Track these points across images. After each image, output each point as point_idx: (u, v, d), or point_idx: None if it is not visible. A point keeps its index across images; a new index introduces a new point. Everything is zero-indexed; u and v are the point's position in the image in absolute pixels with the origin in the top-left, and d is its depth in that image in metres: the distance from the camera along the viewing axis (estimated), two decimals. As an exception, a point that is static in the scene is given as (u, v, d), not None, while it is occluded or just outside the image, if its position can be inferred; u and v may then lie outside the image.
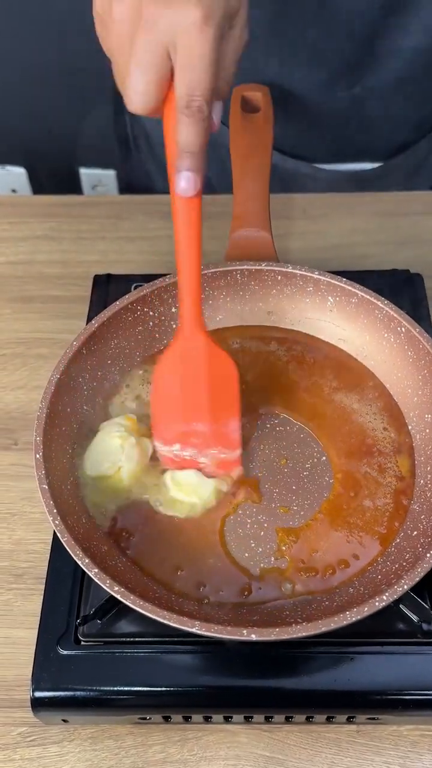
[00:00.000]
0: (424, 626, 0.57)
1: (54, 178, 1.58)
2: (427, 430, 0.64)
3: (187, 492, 0.62)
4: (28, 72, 1.38)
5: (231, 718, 0.59)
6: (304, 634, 0.49)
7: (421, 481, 0.62)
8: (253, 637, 0.49)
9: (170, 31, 0.47)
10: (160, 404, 0.62)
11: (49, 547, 0.64)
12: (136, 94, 0.49)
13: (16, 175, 1.59)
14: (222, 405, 0.61)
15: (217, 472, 0.63)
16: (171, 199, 0.52)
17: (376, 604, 0.50)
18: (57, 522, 0.53)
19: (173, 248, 0.92)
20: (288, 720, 0.59)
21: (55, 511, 0.54)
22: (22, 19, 1.31)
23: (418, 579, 0.51)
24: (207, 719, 0.59)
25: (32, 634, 0.59)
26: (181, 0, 0.47)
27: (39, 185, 1.60)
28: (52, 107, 1.44)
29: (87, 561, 0.52)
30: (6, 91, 1.42)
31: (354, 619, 0.49)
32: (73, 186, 1.59)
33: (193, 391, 0.60)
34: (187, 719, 0.59)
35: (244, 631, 0.49)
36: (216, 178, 0.86)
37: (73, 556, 0.52)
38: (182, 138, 0.49)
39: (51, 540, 0.64)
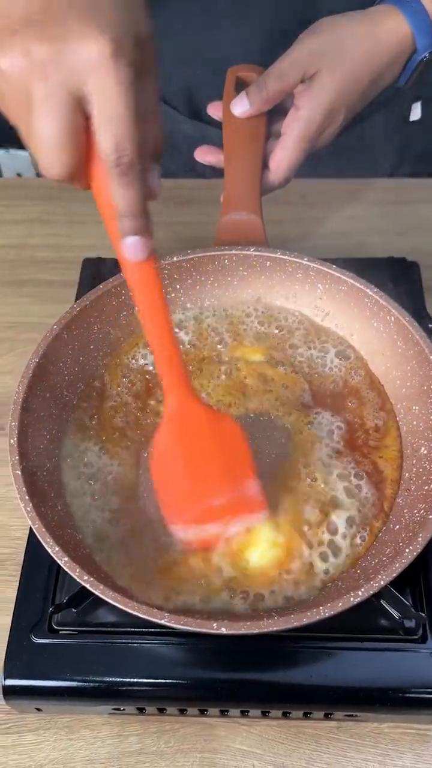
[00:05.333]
0: (405, 623, 0.56)
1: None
2: (414, 422, 0.62)
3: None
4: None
5: (206, 711, 0.58)
6: (275, 628, 0.48)
7: (407, 474, 0.60)
8: (223, 631, 0.48)
9: (75, 73, 0.39)
10: (168, 488, 0.56)
11: (31, 534, 0.63)
12: (50, 154, 0.41)
13: (21, 158, 1.57)
14: (234, 468, 0.56)
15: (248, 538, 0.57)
16: (121, 266, 0.48)
17: (351, 599, 0.49)
18: (29, 509, 0.53)
19: (168, 235, 0.92)
20: (264, 714, 0.58)
21: (27, 497, 0.53)
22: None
23: (395, 575, 0.50)
24: (182, 711, 0.58)
25: (11, 621, 0.59)
26: (79, 32, 0.39)
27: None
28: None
29: (57, 549, 0.51)
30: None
31: (327, 614, 0.48)
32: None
33: (199, 464, 0.55)
34: (161, 711, 0.58)
35: (214, 624, 0.48)
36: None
37: (43, 543, 0.51)
38: (119, 200, 0.43)
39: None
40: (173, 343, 0.52)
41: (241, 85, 0.74)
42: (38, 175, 1.61)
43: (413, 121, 0.92)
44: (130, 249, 0.45)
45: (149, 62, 0.43)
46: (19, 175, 1.61)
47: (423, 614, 0.56)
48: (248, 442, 0.57)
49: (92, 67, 0.39)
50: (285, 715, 0.58)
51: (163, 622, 0.48)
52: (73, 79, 0.40)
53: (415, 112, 0.90)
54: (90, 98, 0.40)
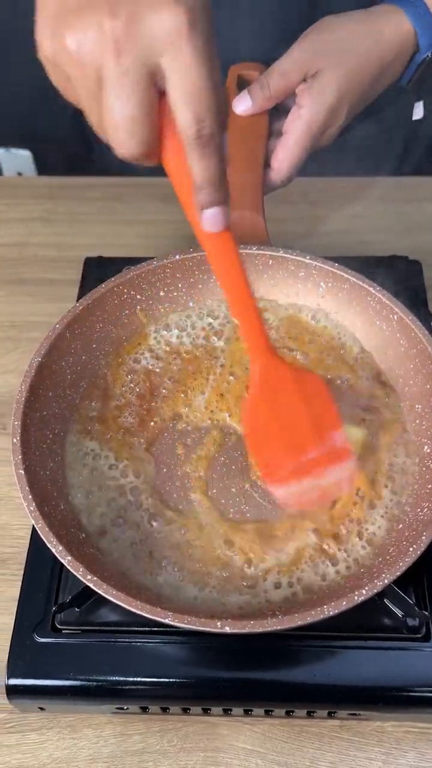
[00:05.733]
0: (409, 621, 0.56)
1: (60, 161, 1.57)
2: (417, 421, 0.62)
3: None
4: (33, 51, 1.35)
5: (210, 710, 0.58)
6: (279, 627, 0.48)
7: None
8: (227, 630, 0.48)
9: (150, 47, 0.38)
10: (263, 448, 0.58)
11: (33, 534, 0.63)
12: (126, 133, 0.40)
13: (22, 157, 1.57)
14: (322, 422, 0.57)
15: (341, 490, 0.60)
16: (199, 238, 0.47)
17: (356, 598, 0.49)
18: (32, 508, 0.53)
19: (171, 233, 0.92)
20: (268, 713, 0.58)
21: (30, 497, 0.53)
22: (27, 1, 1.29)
23: (398, 574, 0.50)
24: (185, 710, 0.58)
25: (14, 621, 0.59)
26: (151, 3, 0.37)
27: (45, 168, 1.58)
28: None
29: (60, 548, 0.51)
30: (10, 71, 1.40)
31: (331, 613, 0.48)
32: (79, 169, 1.57)
33: (291, 422, 0.57)
34: (165, 710, 0.58)
35: (218, 623, 0.48)
36: None
37: (47, 543, 0.51)
38: (199, 172, 0.42)
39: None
40: (255, 309, 0.52)
41: (242, 84, 0.74)
42: (39, 173, 1.61)
43: (416, 120, 0.92)
44: (211, 220, 0.45)
45: (212, 29, 0.41)
46: (19, 173, 1.60)
47: (426, 613, 0.56)
48: (331, 396, 0.58)
49: (168, 40, 0.38)
50: (288, 713, 0.58)
51: (167, 621, 0.48)
52: (149, 53, 0.38)
53: (418, 111, 0.90)
54: (167, 73, 0.39)
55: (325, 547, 0.57)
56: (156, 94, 0.40)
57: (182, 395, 0.66)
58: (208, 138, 0.41)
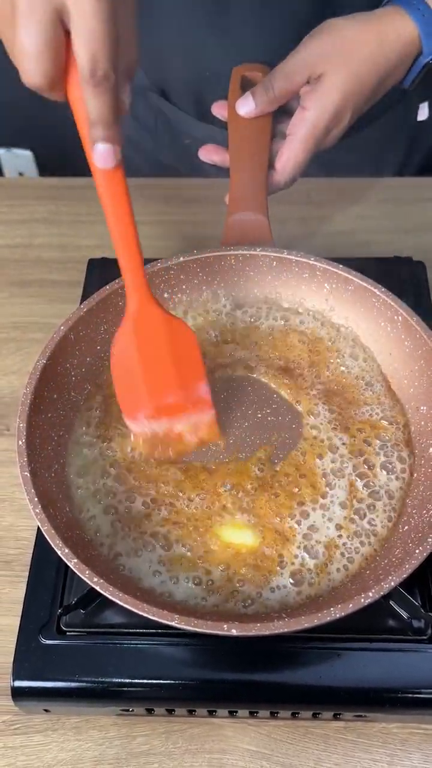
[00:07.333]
0: (414, 623, 0.56)
1: (61, 161, 1.57)
2: (422, 423, 0.62)
3: None
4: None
5: (215, 711, 0.58)
6: (285, 630, 0.48)
7: (415, 475, 0.60)
8: (234, 632, 0.48)
9: None
10: (124, 384, 0.61)
11: (37, 535, 0.63)
12: (31, 63, 0.45)
13: (23, 157, 1.57)
14: (187, 371, 0.60)
15: (197, 438, 0.63)
16: (92, 173, 0.50)
17: (362, 600, 0.49)
18: (38, 510, 0.53)
19: (173, 233, 0.91)
20: (273, 715, 0.58)
21: (36, 499, 0.53)
22: None
23: (405, 576, 0.50)
24: (190, 712, 0.58)
25: (18, 622, 0.59)
26: None
27: (46, 168, 1.59)
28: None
29: (67, 551, 0.51)
30: (11, 71, 1.40)
31: (338, 615, 0.48)
32: (80, 169, 1.57)
33: (154, 364, 0.60)
34: (170, 712, 0.58)
35: (225, 626, 0.48)
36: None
37: (53, 545, 0.51)
38: (92, 109, 0.46)
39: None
40: (137, 248, 0.55)
41: (246, 85, 0.73)
42: (40, 175, 1.61)
43: (420, 121, 0.92)
44: (99, 156, 0.48)
45: None
46: (20, 173, 1.60)
47: (432, 614, 0.56)
48: (199, 348, 0.61)
49: None
50: (294, 715, 0.58)
51: (173, 623, 0.48)
52: None
53: (423, 112, 0.89)
54: (71, 14, 0.44)
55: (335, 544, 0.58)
56: (62, 32, 0.45)
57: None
58: (101, 78, 0.45)
